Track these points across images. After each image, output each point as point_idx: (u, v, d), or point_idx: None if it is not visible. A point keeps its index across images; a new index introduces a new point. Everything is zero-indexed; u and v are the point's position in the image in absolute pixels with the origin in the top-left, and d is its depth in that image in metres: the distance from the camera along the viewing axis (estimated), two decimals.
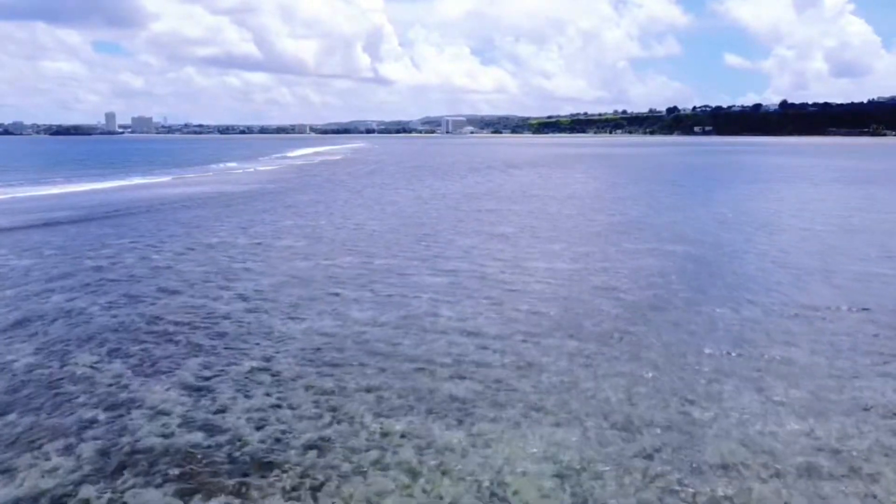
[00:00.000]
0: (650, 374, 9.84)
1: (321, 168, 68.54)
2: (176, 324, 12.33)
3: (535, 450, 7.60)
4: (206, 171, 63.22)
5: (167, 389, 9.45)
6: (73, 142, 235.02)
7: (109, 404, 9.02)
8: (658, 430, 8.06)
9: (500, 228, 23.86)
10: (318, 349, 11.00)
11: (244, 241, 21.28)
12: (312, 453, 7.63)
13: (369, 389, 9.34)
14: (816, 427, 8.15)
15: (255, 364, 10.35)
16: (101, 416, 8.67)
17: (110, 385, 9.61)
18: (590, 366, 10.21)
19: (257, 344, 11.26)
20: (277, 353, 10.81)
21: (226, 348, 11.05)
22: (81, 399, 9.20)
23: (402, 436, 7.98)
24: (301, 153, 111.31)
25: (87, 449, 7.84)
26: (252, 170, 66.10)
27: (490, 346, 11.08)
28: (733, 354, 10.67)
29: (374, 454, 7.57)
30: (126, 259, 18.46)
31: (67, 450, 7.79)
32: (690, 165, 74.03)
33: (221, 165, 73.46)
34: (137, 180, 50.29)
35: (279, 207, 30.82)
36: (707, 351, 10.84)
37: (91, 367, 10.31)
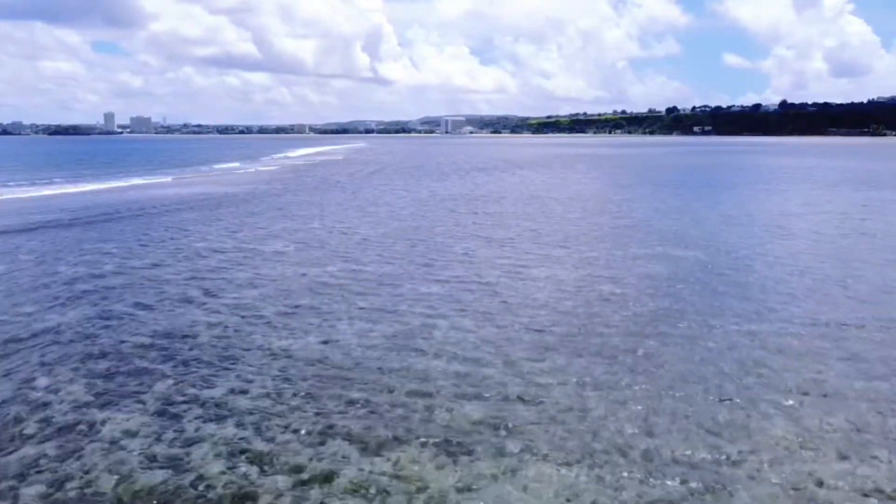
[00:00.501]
0: (668, 401, 8.84)
1: (317, 169, 67.55)
2: (147, 342, 11.30)
3: (541, 496, 6.60)
4: (200, 172, 62.19)
5: (129, 419, 8.44)
6: (70, 142, 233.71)
7: (62, 436, 8.01)
8: (682, 471, 7.06)
9: (499, 232, 22.87)
10: (300, 372, 9.99)
11: (231, 246, 20.27)
12: (287, 499, 6.63)
13: (354, 421, 8.33)
14: (862, 466, 7.15)
15: (229, 390, 9.33)
16: (51, 451, 7.66)
17: (66, 413, 8.60)
18: (600, 391, 9.21)
19: (233, 366, 10.24)
20: (254, 377, 9.79)
21: (199, 370, 10.03)
22: (31, 429, 8.19)
23: (390, 478, 6.97)
24: (298, 154, 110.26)
25: (29, 492, 6.85)
26: (248, 171, 65.07)
27: (489, 367, 10.07)
28: (757, 376, 9.67)
29: (357, 501, 6.56)
30: (104, 266, 17.44)
31: (5, 492, 6.79)
32: (692, 166, 73.13)
33: (215, 166, 72.37)
34: (128, 181, 49.23)
35: (271, 210, 29.81)
36: (728, 372, 9.85)
37: (47, 391, 9.29)
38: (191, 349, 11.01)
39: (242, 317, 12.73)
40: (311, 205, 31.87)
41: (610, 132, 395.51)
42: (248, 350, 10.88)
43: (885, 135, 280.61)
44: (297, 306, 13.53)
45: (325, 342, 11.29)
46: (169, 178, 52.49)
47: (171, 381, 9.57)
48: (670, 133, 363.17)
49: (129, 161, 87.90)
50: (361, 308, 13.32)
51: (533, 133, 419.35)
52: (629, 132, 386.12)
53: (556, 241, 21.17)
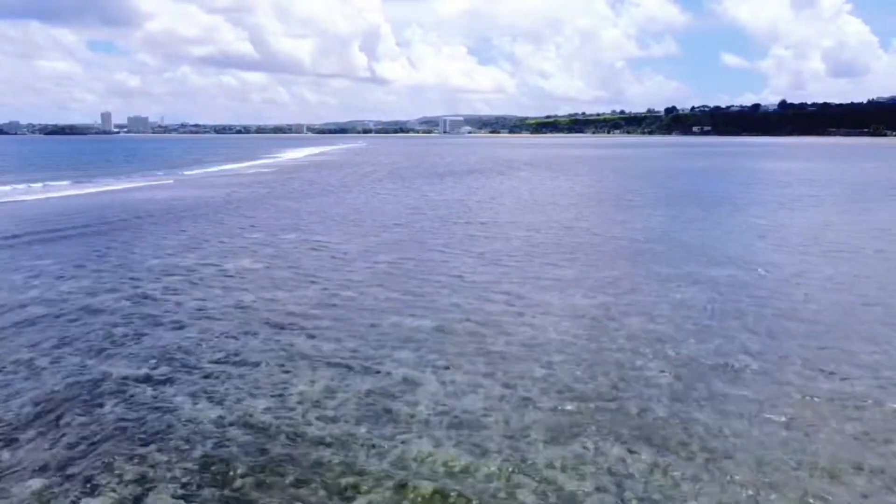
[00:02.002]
0: None
1: (307, 170, 64.58)
2: (34, 407, 8.40)
3: None
4: (183, 175, 59.19)
5: None
6: (65, 141, 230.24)
7: None
8: None
9: (499, 246, 20.00)
10: (228, 466, 7.11)
11: (187, 264, 17.36)
12: None
13: None
14: None
15: (121, 494, 6.46)
16: None
17: None
18: (651, 499, 6.36)
19: (141, 448, 7.36)
20: (161, 475, 6.91)
21: (81, 465, 7.14)
22: None
23: None
24: (291, 156, 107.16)
25: None
26: (235, 173, 62.03)
27: (491, 458, 7.20)
28: (873, 475, 6.82)
29: None
30: (29, 292, 14.54)
31: None
32: (699, 169, 70.34)
33: (202, 168, 69.33)
34: (103, 186, 46.26)
35: (244, 219, 26.89)
36: (829, 466, 7.00)
37: None
38: (94, 418, 8.14)
39: (171, 368, 9.84)
40: (290, 212, 28.95)
41: (609, 132, 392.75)
42: (163, 426, 7.99)
43: (885, 135, 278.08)
44: (248, 350, 10.65)
45: (274, 411, 8.41)
46: (148, 182, 49.51)
47: (49, 476, 6.68)
48: (669, 133, 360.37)
49: (114, 162, 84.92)
50: (328, 354, 10.44)
51: (531, 133, 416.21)
52: (628, 132, 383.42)
53: (565, 257, 18.31)
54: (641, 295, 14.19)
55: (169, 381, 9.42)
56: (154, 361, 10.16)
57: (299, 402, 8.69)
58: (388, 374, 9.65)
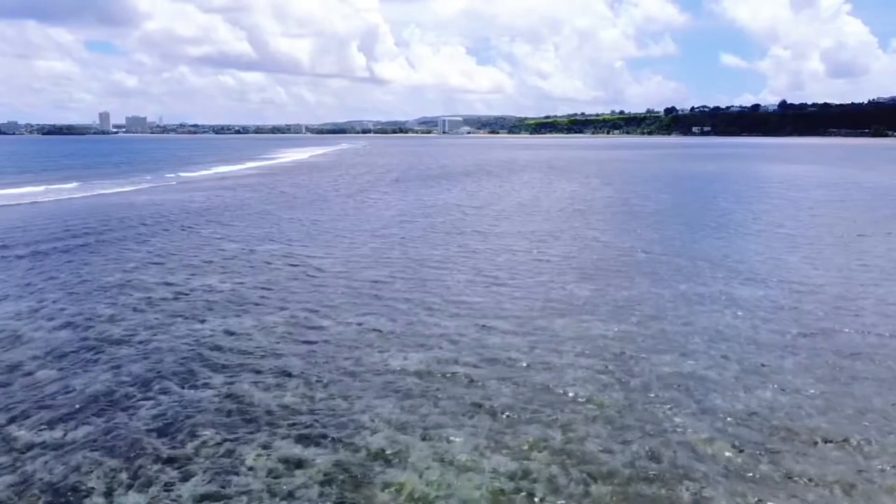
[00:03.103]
0: None
1: (302, 173, 62.48)
2: None
3: None
4: (175, 176, 57.04)
5: None
6: (61, 142, 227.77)
7: None
8: None
9: (501, 259, 17.97)
10: None
11: (148, 281, 15.29)
12: None
13: None
14: None
15: None
16: None
17: None
18: None
19: None
20: None
21: None
22: None
23: None
24: (289, 157, 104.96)
25: None
26: (224, 175, 59.91)
27: None
28: None
29: None
30: None
31: None
32: (707, 173, 68.12)
33: (193, 172, 67.20)
34: (89, 191, 44.15)
35: (220, 227, 24.81)
36: None
37: None
38: None
39: (90, 431, 7.77)
40: (272, 221, 26.84)
41: (608, 132, 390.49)
42: None
43: (886, 135, 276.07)
44: (188, 409, 8.60)
45: (213, 500, 6.37)
46: (135, 186, 47.30)
47: None
48: (669, 133, 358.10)
49: (110, 163, 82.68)
50: (292, 411, 8.38)
51: (530, 133, 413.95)
52: (627, 132, 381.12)
53: (577, 274, 16.27)
54: (668, 322, 12.16)
55: (84, 449, 7.36)
56: (72, 421, 8.10)
57: (247, 486, 6.65)
58: (365, 439, 7.60)
